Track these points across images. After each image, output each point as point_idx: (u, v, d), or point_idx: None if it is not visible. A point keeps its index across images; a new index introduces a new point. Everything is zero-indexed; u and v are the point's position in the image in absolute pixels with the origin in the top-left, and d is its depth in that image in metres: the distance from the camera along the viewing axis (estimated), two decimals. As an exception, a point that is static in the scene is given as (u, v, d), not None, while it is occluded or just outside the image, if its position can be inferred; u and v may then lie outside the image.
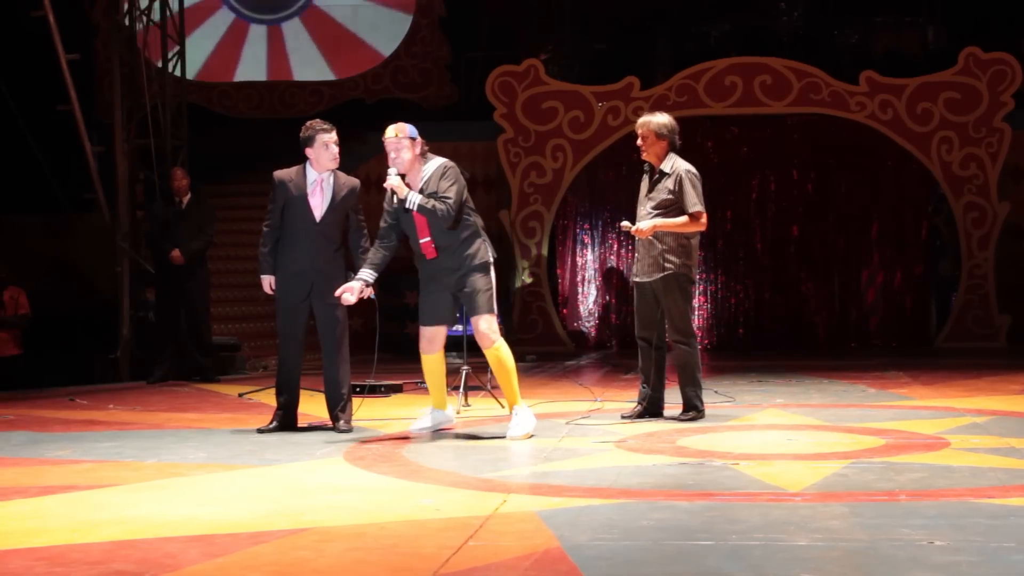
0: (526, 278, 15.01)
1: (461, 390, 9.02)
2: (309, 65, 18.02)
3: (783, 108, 14.82)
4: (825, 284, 15.18)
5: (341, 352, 7.88)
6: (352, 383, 8.07)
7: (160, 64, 13.19)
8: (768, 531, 4.82)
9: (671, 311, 8.01)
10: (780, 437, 7.44)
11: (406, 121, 7.51)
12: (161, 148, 12.81)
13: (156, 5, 13.16)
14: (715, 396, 9.37)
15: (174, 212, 11.59)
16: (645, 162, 8.11)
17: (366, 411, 8.72)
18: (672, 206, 7.95)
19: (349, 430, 7.84)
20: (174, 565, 4.44)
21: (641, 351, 8.21)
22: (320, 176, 7.79)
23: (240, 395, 10.14)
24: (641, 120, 8.10)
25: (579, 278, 15.55)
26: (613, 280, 15.53)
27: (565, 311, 15.39)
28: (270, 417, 8.00)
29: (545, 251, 15.12)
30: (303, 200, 7.77)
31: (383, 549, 4.66)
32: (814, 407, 8.90)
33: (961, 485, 5.75)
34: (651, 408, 8.16)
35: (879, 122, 14.64)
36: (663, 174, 7.98)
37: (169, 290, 11.62)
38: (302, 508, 5.44)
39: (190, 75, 13.75)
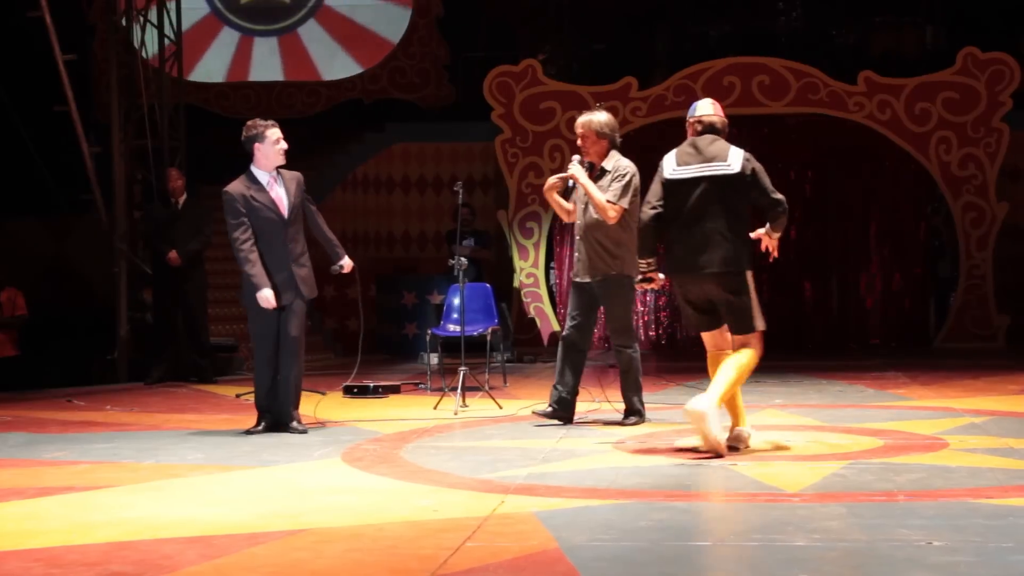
0: (524, 278, 15.02)
1: (459, 391, 9.03)
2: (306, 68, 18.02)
3: (781, 108, 14.83)
4: (823, 285, 15.20)
5: (301, 352, 7.92)
6: (351, 384, 8.09)
7: (157, 65, 13.23)
8: (766, 531, 4.86)
9: (615, 313, 7.94)
10: (779, 438, 7.41)
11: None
12: (158, 149, 12.82)
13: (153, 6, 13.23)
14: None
15: (170, 213, 11.58)
16: (585, 161, 8.06)
17: (365, 412, 8.77)
18: None
19: (306, 430, 7.88)
20: (172, 566, 4.46)
21: (559, 351, 8.14)
22: (271, 174, 7.88)
23: (238, 396, 10.11)
24: (582, 120, 8.04)
25: (577, 278, 15.57)
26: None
27: (563, 311, 15.38)
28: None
29: (543, 251, 15.12)
30: (266, 202, 7.83)
31: (381, 550, 4.69)
32: (812, 407, 8.93)
33: (959, 485, 5.79)
34: (564, 411, 8.08)
35: (877, 122, 14.66)
36: (604, 171, 7.95)
37: (166, 291, 11.61)
38: (300, 509, 5.47)
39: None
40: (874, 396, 9.69)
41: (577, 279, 8.07)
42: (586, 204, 7.94)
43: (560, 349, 8.11)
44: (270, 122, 7.96)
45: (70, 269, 13.79)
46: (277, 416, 7.92)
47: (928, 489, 5.69)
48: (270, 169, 7.87)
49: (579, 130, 8.02)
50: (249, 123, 7.93)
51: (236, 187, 7.86)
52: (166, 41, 13.41)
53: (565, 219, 8.24)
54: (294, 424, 7.85)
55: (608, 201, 7.79)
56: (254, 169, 7.88)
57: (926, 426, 7.78)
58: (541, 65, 15.21)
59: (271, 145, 7.83)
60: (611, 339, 8.01)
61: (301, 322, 7.90)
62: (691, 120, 7.13)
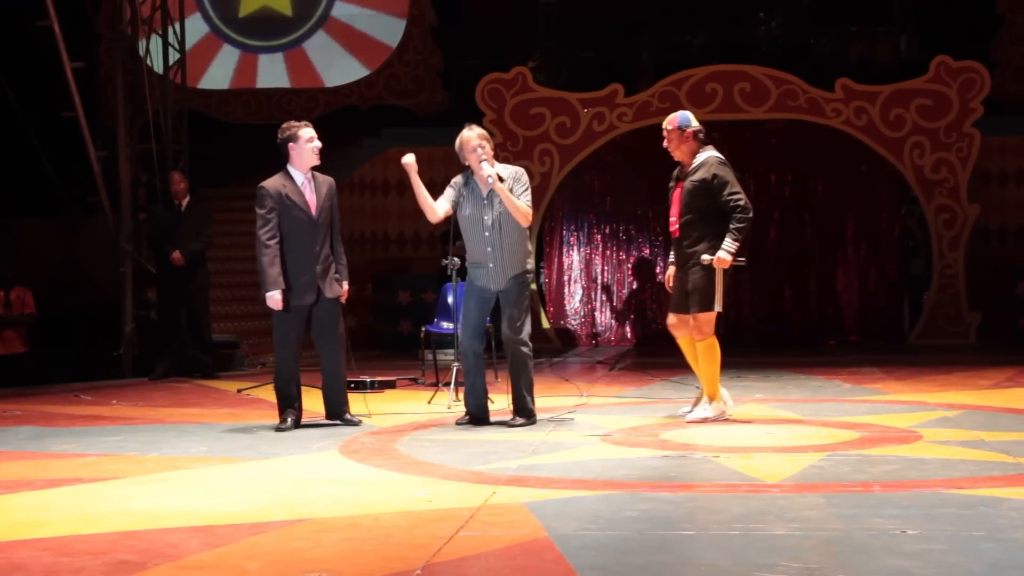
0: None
1: (452, 386, 9.12)
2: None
3: (762, 114, 14.91)
4: (802, 283, 15.27)
5: (343, 349, 7.99)
6: (348, 379, 8.22)
7: (161, 72, 13.30)
8: (748, 521, 4.97)
9: (520, 313, 7.79)
10: (759, 430, 7.58)
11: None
12: (162, 153, 12.91)
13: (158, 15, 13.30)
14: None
15: (174, 214, 11.68)
16: (469, 170, 7.89)
17: (362, 406, 8.74)
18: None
19: (360, 422, 8.01)
20: (176, 555, 4.55)
21: (467, 363, 7.99)
22: (306, 175, 7.85)
23: (239, 391, 10.22)
24: (484, 133, 7.89)
25: (565, 278, 15.70)
26: (598, 279, 15.74)
27: (552, 309, 15.56)
28: (273, 414, 8.06)
29: (532, 252, 15.26)
30: (299, 201, 7.78)
31: (377, 539, 4.77)
32: (792, 402, 9.03)
33: (933, 476, 5.90)
34: (482, 415, 8.00)
35: (854, 128, 14.77)
36: (501, 179, 7.79)
37: (170, 290, 11.69)
38: (299, 500, 5.55)
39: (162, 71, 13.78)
40: (851, 391, 9.75)
41: (489, 289, 7.83)
42: (499, 214, 7.77)
43: (470, 361, 7.92)
44: (303, 122, 7.92)
45: (77, 269, 13.85)
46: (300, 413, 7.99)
47: (902, 480, 5.79)
48: (305, 169, 7.83)
49: (485, 142, 7.82)
50: (284, 125, 7.89)
51: (272, 183, 7.78)
52: (170, 50, 13.45)
53: (428, 213, 8.01)
54: (347, 416, 8.01)
55: (525, 209, 7.77)
56: (290, 168, 7.82)
57: (901, 419, 7.88)
58: (531, 72, 15.25)
59: (304, 144, 7.78)
60: (511, 339, 7.75)
61: (337, 320, 7.90)
62: (694, 130, 7.75)
